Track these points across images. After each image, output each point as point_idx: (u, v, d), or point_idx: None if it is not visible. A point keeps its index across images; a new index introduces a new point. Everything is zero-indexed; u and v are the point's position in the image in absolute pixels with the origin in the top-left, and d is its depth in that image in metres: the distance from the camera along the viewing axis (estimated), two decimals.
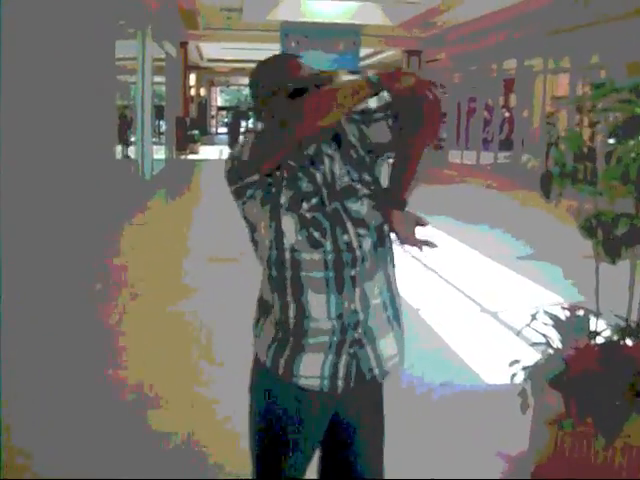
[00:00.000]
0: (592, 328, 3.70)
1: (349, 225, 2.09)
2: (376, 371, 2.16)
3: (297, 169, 2.09)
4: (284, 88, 2.09)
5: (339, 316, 2.09)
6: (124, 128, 15.55)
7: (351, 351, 2.11)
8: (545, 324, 3.81)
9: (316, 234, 2.06)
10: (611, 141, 3.45)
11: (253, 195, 2.08)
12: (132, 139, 15.99)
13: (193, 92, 29.88)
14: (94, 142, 8.20)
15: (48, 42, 5.91)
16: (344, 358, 2.11)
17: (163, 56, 18.44)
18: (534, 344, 3.53)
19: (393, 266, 2.24)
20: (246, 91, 59.98)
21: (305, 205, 2.06)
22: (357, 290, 2.10)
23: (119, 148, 15.22)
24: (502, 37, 18.13)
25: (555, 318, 3.78)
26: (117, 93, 12.48)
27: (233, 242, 9.25)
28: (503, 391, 4.68)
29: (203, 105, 36.34)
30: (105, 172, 9.12)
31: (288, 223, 2.06)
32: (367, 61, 28.02)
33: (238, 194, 2.12)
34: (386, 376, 2.21)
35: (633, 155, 3.19)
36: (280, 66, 2.15)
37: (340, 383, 2.13)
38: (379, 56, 27.85)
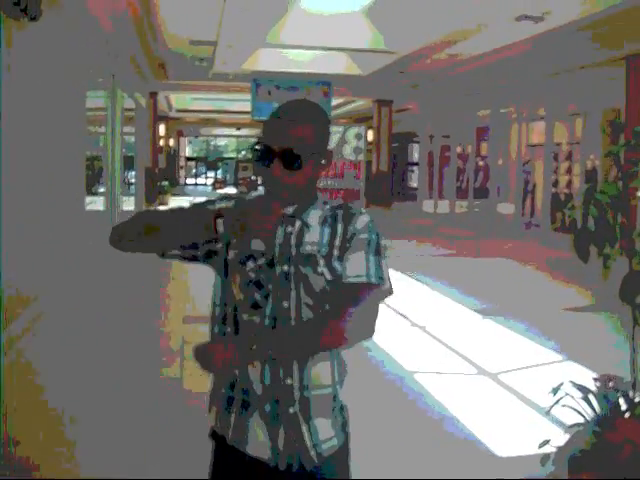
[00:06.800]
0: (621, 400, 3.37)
1: (293, 294, 1.93)
2: (312, 452, 1.98)
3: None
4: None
5: (272, 385, 1.93)
6: (93, 179, 15.06)
7: (286, 425, 1.95)
8: (569, 395, 3.47)
9: (257, 295, 1.93)
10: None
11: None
12: (101, 190, 15.50)
13: (162, 142, 29.55)
14: (64, 194, 7.83)
15: (21, 94, 5.61)
16: (281, 432, 1.95)
17: (133, 106, 18.08)
18: (571, 426, 3.15)
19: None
20: (214, 142, 59.99)
21: (251, 264, 1.94)
22: (295, 362, 1.94)
23: (88, 199, 14.72)
24: (477, 85, 18.07)
25: (585, 390, 3.44)
26: (87, 144, 12.12)
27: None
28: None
29: (172, 156, 36.01)
30: (75, 224, 8.74)
31: (233, 280, 1.96)
32: (338, 110, 27.89)
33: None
34: (324, 459, 1.99)
35: None
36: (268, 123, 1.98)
37: (280, 457, 1.96)
38: (350, 106, 27.75)
